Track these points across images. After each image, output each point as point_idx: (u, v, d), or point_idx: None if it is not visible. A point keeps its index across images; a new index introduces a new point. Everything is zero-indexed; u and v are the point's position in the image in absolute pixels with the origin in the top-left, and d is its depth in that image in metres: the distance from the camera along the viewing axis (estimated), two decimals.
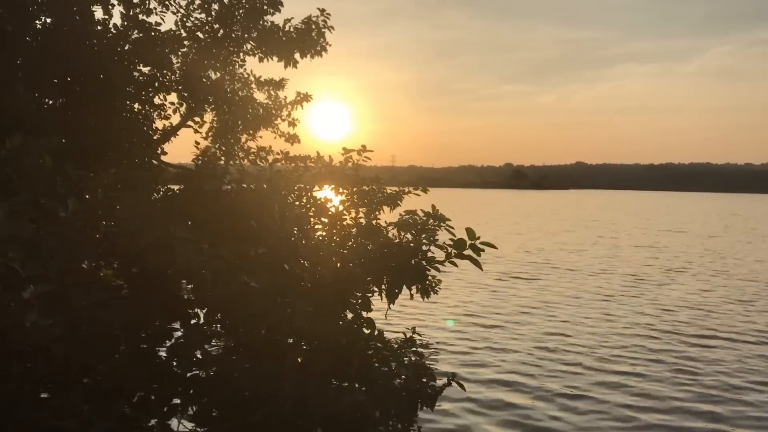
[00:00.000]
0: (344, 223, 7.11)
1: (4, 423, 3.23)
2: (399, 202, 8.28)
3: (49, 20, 8.23)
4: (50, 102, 8.05)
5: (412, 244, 4.08)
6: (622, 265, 28.83)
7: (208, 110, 11.38)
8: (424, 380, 3.47)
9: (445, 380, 4.09)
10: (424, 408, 3.82)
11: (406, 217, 4.26)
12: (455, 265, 4.17)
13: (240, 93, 11.48)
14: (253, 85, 11.86)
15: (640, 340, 14.56)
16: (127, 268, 4.24)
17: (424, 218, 4.24)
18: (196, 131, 9.89)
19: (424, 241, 4.16)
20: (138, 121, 8.74)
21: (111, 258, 4.20)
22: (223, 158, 9.80)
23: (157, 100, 9.73)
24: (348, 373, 3.57)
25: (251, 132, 10.64)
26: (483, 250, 4.13)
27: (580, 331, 15.29)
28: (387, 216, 7.16)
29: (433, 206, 4.34)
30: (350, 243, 4.89)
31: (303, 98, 12.42)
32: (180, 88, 10.70)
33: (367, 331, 3.81)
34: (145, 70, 9.36)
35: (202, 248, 3.72)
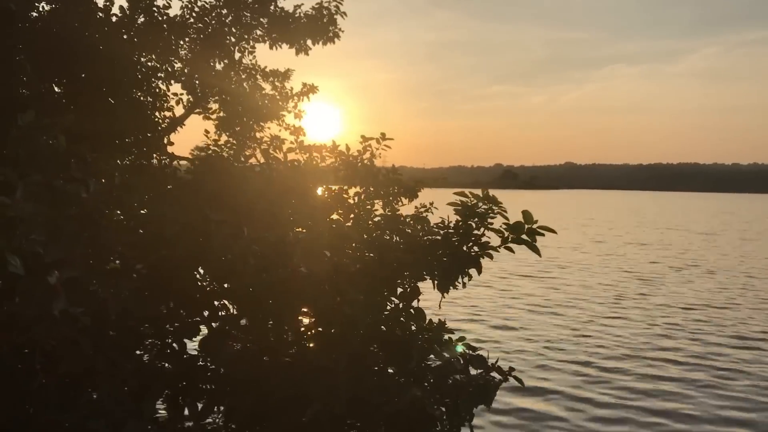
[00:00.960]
0: (362, 214, 6.81)
1: (29, 425, 2.88)
2: (417, 193, 7.98)
3: (50, 5, 7.87)
4: (55, 89, 7.68)
5: (462, 229, 3.74)
6: (627, 264, 28.35)
7: (212, 101, 11.04)
8: (492, 375, 3.14)
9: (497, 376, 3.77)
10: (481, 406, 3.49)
11: (455, 198, 3.93)
12: (511, 251, 3.85)
13: (245, 84, 11.15)
14: (259, 76, 11.52)
15: (662, 340, 14.14)
16: (151, 255, 3.89)
17: (474, 201, 3.91)
18: (207, 117, 9.53)
19: (476, 224, 3.83)
20: (144, 109, 8.38)
21: (135, 245, 3.85)
22: (235, 148, 9.45)
23: (162, 88, 9.37)
24: (407, 367, 3.24)
25: (260, 124, 10.30)
26: (542, 234, 3.81)
27: (597, 332, 14.88)
28: (404, 209, 6.85)
29: (484, 189, 4.01)
30: (367, 236, 4.58)
31: (309, 89, 12.08)
32: (183, 79, 10.36)
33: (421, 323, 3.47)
34: (151, 56, 9.01)
35: (242, 232, 3.38)
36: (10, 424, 2.86)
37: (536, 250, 3.83)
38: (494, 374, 3.30)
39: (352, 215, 6.81)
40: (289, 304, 3.19)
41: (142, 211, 4.01)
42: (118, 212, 3.87)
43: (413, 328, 3.33)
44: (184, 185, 4.17)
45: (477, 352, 3.64)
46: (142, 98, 8.51)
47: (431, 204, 7.44)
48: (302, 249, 3.72)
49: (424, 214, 6.75)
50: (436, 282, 3.60)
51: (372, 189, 7.07)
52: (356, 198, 6.64)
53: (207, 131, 8.61)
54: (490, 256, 3.87)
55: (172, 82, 10.38)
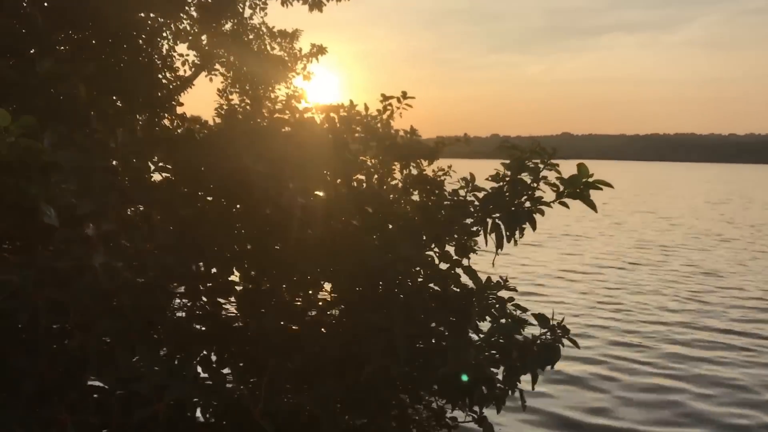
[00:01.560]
0: (384, 175, 6.61)
1: (65, 387, 2.69)
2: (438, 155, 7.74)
3: None
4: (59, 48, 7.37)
5: (519, 184, 3.52)
6: (637, 232, 27.62)
7: (219, 62, 10.75)
8: (559, 333, 2.96)
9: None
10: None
11: (506, 150, 3.70)
12: (566, 206, 3.63)
13: (253, 45, 10.84)
14: (266, 37, 11.20)
15: (688, 309, 13.64)
16: (184, 209, 3.67)
17: (527, 153, 3.68)
18: (221, 74, 9.26)
19: (529, 178, 3.61)
20: (153, 68, 8.09)
21: (167, 198, 3.62)
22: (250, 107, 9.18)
23: (170, 47, 9.08)
24: (464, 327, 3.05)
25: (271, 85, 10.03)
26: (601, 189, 3.60)
27: (619, 301, 14.38)
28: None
29: (535, 140, 3.78)
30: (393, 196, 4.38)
31: (318, 50, 11.77)
32: (190, 38, 10.07)
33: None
34: (159, 15, 8.69)
35: (287, 183, 3.16)
36: (47, 386, 2.67)
37: (592, 205, 3.62)
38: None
39: (376, 175, 6.59)
40: (340, 260, 2.98)
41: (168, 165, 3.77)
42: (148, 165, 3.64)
43: (471, 286, 3.14)
44: (214, 136, 3.92)
45: (524, 313, 3.45)
46: (151, 56, 8.22)
47: (449, 167, 7.21)
48: (349, 204, 3.51)
49: (443, 178, 6.53)
50: (491, 236, 3.39)
51: (390, 151, 6.84)
52: (374, 160, 6.45)
53: (220, 90, 8.36)
54: (542, 212, 3.66)
55: (178, 42, 10.09)
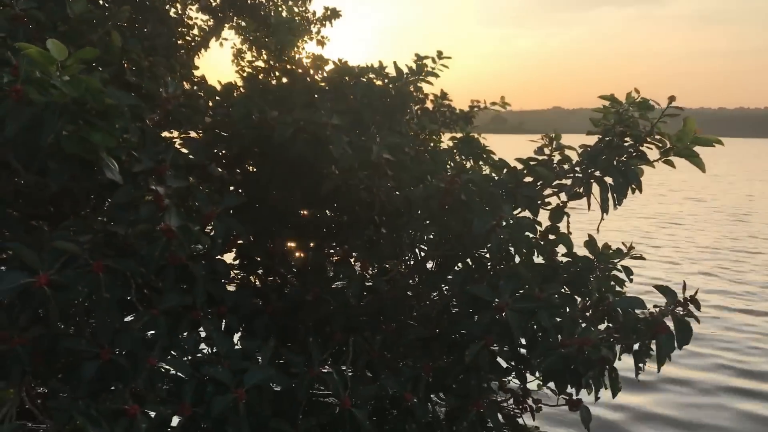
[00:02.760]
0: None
1: (130, 372, 2.29)
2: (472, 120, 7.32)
3: None
4: None
5: (631, 137, 3.11)
6: (650, 210, 26.56)
7: (228, 27, 10.26)
8: (690, 307, 2.58)
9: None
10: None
11: (606, 104, 3.28)
12: (672, 165, 3.22)
13: (265, 7, 10.33)
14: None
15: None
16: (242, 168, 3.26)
17: (626, 106, 3.26)
18: (239, 34, 8.81)
19: (631, 133, 3.20)
20: (171, 29, 7.62)
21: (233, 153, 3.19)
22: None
23: (183, 8, 8.61)
24: (585, 302, 2.66)
25: (290, 49, 9.54)
26: (713, 145, 3.20)
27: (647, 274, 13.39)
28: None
29: (636, 90, 3.36)
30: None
31: (332, 14, 11.26)
32: (201, 1, 9.59)
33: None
34: None
35: (373, 137, 2.74)
36: (109, 371, 2.27)
37: (700, 165, 3.21)
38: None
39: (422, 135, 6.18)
40: (435, 224, 2.57)
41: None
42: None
43: (588, 254, 2.75)
44: (270, 91, 3.49)
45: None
46: (167, 16, 7.75)
47: (480, 135, 6.80)
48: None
49: None
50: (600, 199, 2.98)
51: (420, 115, 6.43)
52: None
53: (241, 52, 7.92)
54: (641, 173, 3.25)
55: (188, 5, 9.62)
